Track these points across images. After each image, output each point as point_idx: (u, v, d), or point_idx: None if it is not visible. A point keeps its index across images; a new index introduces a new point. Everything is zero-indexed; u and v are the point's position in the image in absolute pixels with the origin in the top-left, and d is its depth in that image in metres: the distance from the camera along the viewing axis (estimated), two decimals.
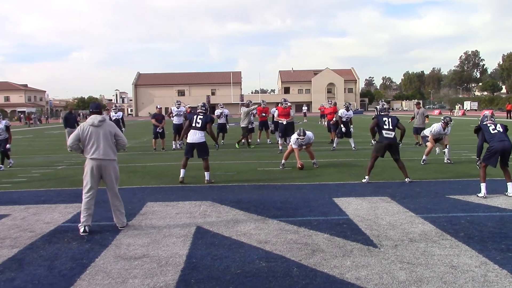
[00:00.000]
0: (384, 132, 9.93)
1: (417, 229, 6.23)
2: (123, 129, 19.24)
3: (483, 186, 8.28)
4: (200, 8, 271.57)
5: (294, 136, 12.13)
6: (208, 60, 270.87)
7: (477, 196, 8.25)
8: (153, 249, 5.59)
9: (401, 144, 10.71)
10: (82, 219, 6.30)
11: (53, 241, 6.05)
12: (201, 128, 10.14)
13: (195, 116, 10.30)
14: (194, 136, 10.14)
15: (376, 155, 10.01)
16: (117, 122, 18.88)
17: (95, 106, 6.70)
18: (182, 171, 10.31)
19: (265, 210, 7.46)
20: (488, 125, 8.45)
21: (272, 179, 10.62)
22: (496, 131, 8.31)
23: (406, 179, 9.84)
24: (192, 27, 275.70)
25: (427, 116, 18.36)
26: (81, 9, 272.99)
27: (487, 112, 8.93)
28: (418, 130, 18.04)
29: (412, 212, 7.17)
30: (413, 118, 19.16)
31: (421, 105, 19.01)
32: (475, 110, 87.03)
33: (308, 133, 12.18)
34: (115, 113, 19.67)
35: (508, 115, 47.23)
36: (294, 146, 12.06)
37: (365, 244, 5.63)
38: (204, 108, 10.45)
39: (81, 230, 6.28)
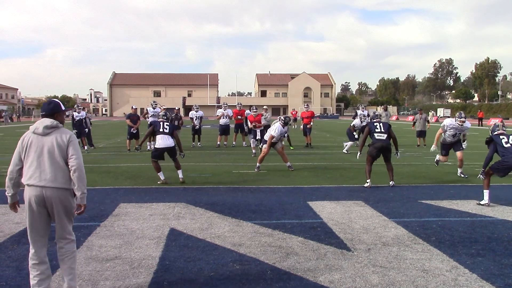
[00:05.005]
0: (376, 134, 10.05)
1: (390, 233, 6.29)
2: (86, 129, 18.51)
3: (486, 193, 8.02)
4: (178, 9, 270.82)
5: (277, 124, 12.23)
6: (185, 61, 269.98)
7: (479, 204, 8.04)
8: (125, 250, 5.51)
9: (398, 155, 10.62)
10: (31, 282, 4.07)
11: (22, 241, 5.91)
12: (170, 134, 10.46)
13: (161, 123, 10.57)
14: (167, 141, 10.37)
15: (371, 158, 10.05)
16: (80, 123, 18.03)
17: (46, 107, 4.27)
18: (160, 174, 10.40)
19: (240, 213, 7.44)
20: (501, 137, 8.03)
21: (247, 181, 10.61)
22: (509, 144, 7.86)
23: (391, 182, 9.92)
24: (169, 27, 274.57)
25: (428, 121, 20.51)
26: (57, 5, 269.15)
27: (497, 121, 8.57)
28: (420, 133, 20.30)
29: (385, 216, 7.24)
30: (414, 124, 21.26)
31: (423, 111, 21.33)
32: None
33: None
34: (78, 112, 18.33)
35: (480, 122, 48.24)
36: (273, 134, 12.14)
37: (339, 247, 5.66)
38: (165, 117, 10.80)
39: None
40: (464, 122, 11.04)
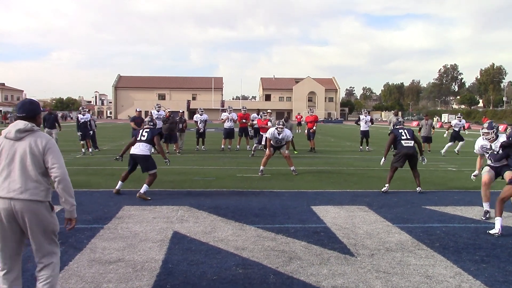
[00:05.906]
0: (403, 141, 9.86)
1: (394, 239, 6.27)
2: (91, 131, 18.48)
3: None
4: (182, 13, 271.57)
5: (271, 129, 12.46)
6: (189, 65, 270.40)
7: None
8: (128, 253, 5.51)
9: (425, 160, 10.48)
10: None
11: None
12: (147, 141, 9.35)
13: (141, 131, 9.61)
14: (136, 148, 9.32)
15: (395, 167, 9.93)
16: (85, 125, 17.98)
17: (27, 107, 3.77)
18: (120, 183, 9.46)
19: (243, 217, 7.43)
20: None
21: (250, 185, 10.60)
22: None
23: (418, 188, 9.84)
24: (174, 31, 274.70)
25: (433, 127, 20.93)
26: (63, 9, 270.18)
27: None
28: (426, 139, 20.40)
29: (389, 222, 7.22)
30: (420, 129, 21.26)
31: (429, 117, 21.40)
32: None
33: (287, 130, 12.46)
34: (83, 115, 18.25)
35: None
36: (267, 136, 12.45)
37: (342, 252, 5.65)
38: (151, 124, 9.89)
39: None
40: (488, 135, 7.70)
